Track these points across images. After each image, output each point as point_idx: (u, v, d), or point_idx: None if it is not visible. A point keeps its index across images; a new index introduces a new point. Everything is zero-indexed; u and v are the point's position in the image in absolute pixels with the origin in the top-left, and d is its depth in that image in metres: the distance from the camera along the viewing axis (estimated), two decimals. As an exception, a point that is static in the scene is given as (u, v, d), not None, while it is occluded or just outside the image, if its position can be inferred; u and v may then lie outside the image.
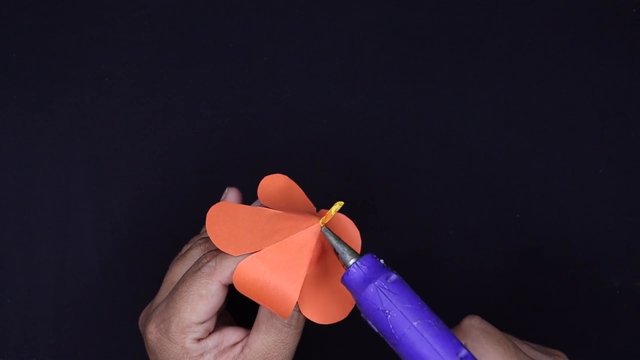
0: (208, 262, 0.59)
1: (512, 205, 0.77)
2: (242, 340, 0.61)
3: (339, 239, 0.59)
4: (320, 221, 0.60)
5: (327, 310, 0.60)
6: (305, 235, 0.60)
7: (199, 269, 0.59)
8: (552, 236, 0.77)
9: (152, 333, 0.60)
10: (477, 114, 0.77)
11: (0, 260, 0.75)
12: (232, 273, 0.59)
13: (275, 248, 0.59)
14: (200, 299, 0.58)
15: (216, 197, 0.77)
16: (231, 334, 0.61)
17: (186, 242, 0.77)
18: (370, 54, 0.78)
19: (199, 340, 0.60)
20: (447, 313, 0.77)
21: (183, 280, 0.59)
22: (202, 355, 0.60)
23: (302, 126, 0.77)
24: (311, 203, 0.64)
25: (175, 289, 0.59)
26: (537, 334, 0.76)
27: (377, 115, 0.77)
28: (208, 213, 0.60)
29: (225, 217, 0.60)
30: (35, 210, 0.76)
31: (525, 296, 0.76)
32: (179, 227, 0.76)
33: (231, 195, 0.66)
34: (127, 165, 0.76)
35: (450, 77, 0.78)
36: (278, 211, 0.61)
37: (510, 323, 0.76)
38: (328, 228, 0.60)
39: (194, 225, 0.76)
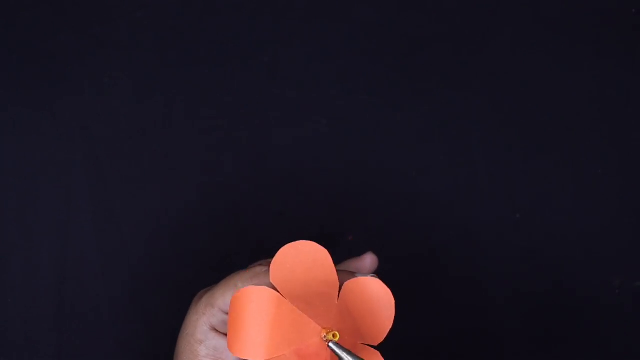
0: (256, 267, 0.61)
1: (512, 205, 0.77)
2: None
3: (350, 353, 0.57)
4: (325, 338, 0.58)
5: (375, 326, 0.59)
6: (319, 343, 0.58)
7: (248, 269, 0.61)
8: (552, 236, 0.77)
9: (196, 295, 0.62)
10: (477, 113, 0.78)
11: (0, 260, 0.75)
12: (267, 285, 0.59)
13: (293, 355, 0.58)
14: (233, 289, 0.59)
15: (216, 197, 0.77)
16: (229, 356, 0.61)
17: (186, 242, 0.77)
18: (370, 54, 0.78)
19: (211, 327, 0.60)
20: (448, 313, 0.77)
21: (236, 272, 0.62)
22: (200, 342, 0.61)
23: (302, 126, 0.77)
24: (334, 272, 0.59)
25: (229, 276, 0.62)
26: (536, 334, 0.76)
27: (377, 115, 0.77)
28: (231, 301, 0.58)
29: (247, 306, 0.57)
30: (35, 210, 0.76)
31: (525, 296, 0.76)
32: (179, 227, 0.76)
33: (369, 259, 0.65)
34: (127, 165, 0.76)
35: (450, 77, 0.78)
36: (294, 308, 0.58)
37: (509, 323, 0.77)
38: (336, 343, 0.57)
39: (194, 225, 0.76)
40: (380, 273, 0.77)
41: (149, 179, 0.76)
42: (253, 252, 0.76)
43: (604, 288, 0.77)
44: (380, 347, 0.74)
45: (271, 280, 0.58)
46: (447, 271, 0.77)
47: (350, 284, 0.58)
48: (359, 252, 0.76)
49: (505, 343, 0.76)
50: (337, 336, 0.58)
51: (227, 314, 0.60)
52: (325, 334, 0.58)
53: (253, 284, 0.59)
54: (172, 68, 0.77)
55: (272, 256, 0.59)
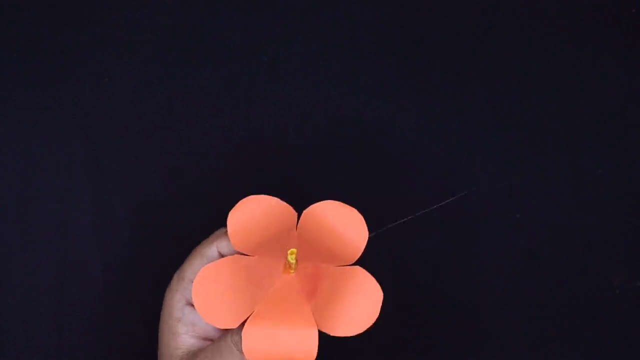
0: (219, 230, 0.61)
1: (512, 205, 0.77)
2: (210, 342, 0.61)
3: None
4: (290, 268, 0.59)
5: (354, 319, 0.58)
6: (285, 280, 0.59)
7: (210, 236, 0.61)
8: (552, 236, 0.77)
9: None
10: (477, 114, 0.77)
11: (0, 260, 0.75)
12: (229, 246, 0.59)
13: (265, 305, 0.58)
14: (198, 257, 0.60)
15: (216, 197, 0.77)
16: (211, 330, 0.61)
17: (186, 241, 0.77)
18: (370, 54, 0.78)
19: (187, 302, 0.60)
20: (447, 313, 0.77)
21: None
22: (178, 320, 0.60)
23: (302, 126, 0.77)
24: (290, 210, 0.60)
25: None
26: (536, 334, 0.76)
27: (377, 115, 0.77)
28: (194, 282, 0.58)
29: (211, 283, 0.58)
30: (35, 210, 0.76)
31: (525, 296, 0.76)
32: (179, 226, 0.76)
33: None
34: (127, 165, 0.76)
35: (450, 77, 0.78)
36: (252, 258, 0.59)
37: (509, 323, 0.77)
38: None
39: (194, 224, 0.76)
40: (380, 272, 0.77)
41: (149, 179, 0.76)
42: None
43: (604, 288, 0.76)
44: (379, 345, 0.74)
45: (228, 231, 0.58)
46: (446, 271, 0.76)
47: (309, 210, 0.59)
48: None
49: (504, 343, 0.76)
50: (294, 252, 0.59)
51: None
52: (287, 256, 0.59)
53: (214, 245, 0.60)
54: (172, 68, 0.77)
55: None
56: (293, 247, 0.59)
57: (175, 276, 0.61)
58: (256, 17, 0.78)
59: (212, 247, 0.60)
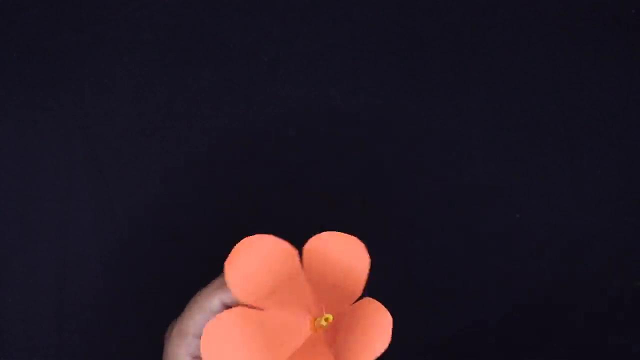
0: (219, 279, 0.58)
1: (512, 205, 0.77)
2: None
3: None
4: (317, 325, 0.56)
5: (366, 348, 0.55)
6: (311, 338, 0.56)
7: (210, 285, 0.58)
8: (552, 236, 0.77)
9: (165, 334, 0.60)
10: (477, 114, 0.78)
11: (0, 260, 0.75)
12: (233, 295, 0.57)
13: None
14: (199, 310, 0.57)
15: (216, 197, 0.77)
16: None
17: (186, 241, 0.77)
18: (370, 54, 0.78)
19: (192, 357, 0.58)
20: (446, 313, 0.77)
21: (197, 292, 0.59)
22: None
23: (302, 126, 0.77)
24: (289, 249, 0.55)
25: (192, 298, 0.59)
26: (536, 334, 0.76)
27: (377, 115, 0.77)
28: (202, 342, 0.53)
29: (220, 342, 0.53)
30: (35, 210, 0.76)
31: (525, 296, 0.77)
32: (180, 226, 0.76)
33: None
34: (127, 165, 0.76)
35: (450, 77, 0.78)
36: (266, 312, 0.55)
37: (509, 323, 0.77)
38: None
39: (195, 225, 0.76)
40: (380, 272, 0.77)
41: (149, 178, 0.76)
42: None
43: (604, 288, 0.77)
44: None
45: (228, 284, 0.54)
46: (446, 271, 0.77)
47: (309, 246, 0.55)
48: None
49: (504, 342, 0.76)
50: (329, 319, 0.56)
51: (198, 337, 0.57)
52: (317, 320, 0.56)
53: (216, 297, 0.56)
54: (172, 68, 0.77)
55: None
56: (306, 294, 0.56)
57: (176, 329, 0.57)
58: (256, 17, 0.78)
59: (213, 300, 0.56)
